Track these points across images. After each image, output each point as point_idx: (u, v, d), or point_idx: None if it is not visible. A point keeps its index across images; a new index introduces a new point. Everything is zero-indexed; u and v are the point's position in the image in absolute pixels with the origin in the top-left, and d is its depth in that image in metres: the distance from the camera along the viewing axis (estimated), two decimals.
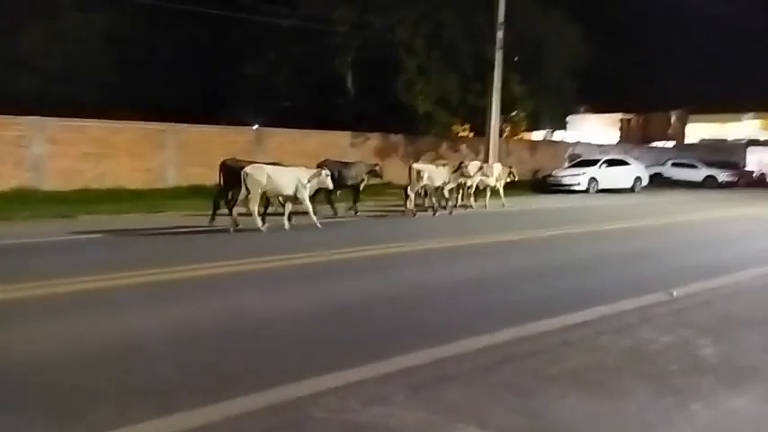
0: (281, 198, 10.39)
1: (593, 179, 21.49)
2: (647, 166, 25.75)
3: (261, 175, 9.58)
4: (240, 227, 9.69)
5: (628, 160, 24.04)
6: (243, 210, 9.86)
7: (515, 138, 26.52)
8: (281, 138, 18.99)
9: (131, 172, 16.07)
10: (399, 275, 6.68)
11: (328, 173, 10.59)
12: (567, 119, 33.77)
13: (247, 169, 9.63)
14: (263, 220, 9.87)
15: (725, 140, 49.86)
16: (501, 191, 15.72)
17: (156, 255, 7.79)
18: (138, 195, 14.60)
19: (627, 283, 6.23)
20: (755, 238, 10.22)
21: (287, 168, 10.41)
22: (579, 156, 25.97)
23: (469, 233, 10.29)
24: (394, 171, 19.89)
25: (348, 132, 20.40)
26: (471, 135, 24.91)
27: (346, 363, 3.65)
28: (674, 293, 5.57)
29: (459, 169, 13.64)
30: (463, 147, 23.70)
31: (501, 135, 23.24)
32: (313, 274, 6.67)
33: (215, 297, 5.53)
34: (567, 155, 26.88)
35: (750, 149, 44.91)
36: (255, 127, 19.35)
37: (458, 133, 25.03)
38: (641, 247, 9.03)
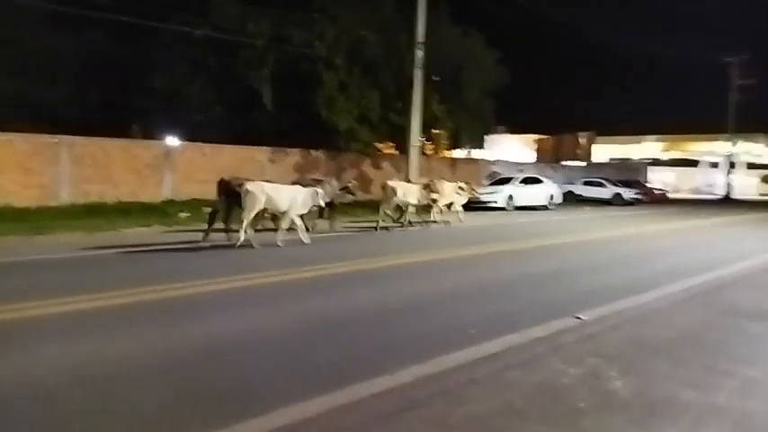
0: (266, 215, 10.72)
1: (510, 197, 21.97)
2: (560, 185, 26.80)
3: (261, 193, 9.81)
4: (243, 242, 9.65)
5: (542, 179, 24.85)
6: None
7: (437, 156, 26.78)
8: (192, 153, 17.98)
9: (20, 188, 14.54)
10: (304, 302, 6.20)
11: (322, 191, 10.91)
12: (486, 138, 34.77)
13: (248, 186, 9.86)
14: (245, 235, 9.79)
15: (629, 160, 53.41)
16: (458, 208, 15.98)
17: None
18: (25, 214, 13.16)
19: (538, 308, 6.07)
20: (661, 256, 10.58)
21: (284, 186, 10.85)
22: (499, 174, 26.62)
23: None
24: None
25: (266, 148, 19.68)
26: (394, 152, 24.86)
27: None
28: (583, 318, 5.45)
29: (428, 187, 14.36)
30: (386, 164, 23.60)
31: (422, 153, 23.38)
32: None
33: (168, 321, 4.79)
34: (487, 173, 27.47)
35: (652, 169, 48.34)
36: (172, 140, 18.16)
37: (380, 150, 24.91)
38: (555, 266, 9.05)
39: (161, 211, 15.08)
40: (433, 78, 22.35)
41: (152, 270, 7.91)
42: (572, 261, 9.75)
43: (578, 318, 5.41)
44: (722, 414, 3.40)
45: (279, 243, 10.06)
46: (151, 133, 19.96)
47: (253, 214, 9.81)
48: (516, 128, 46.67)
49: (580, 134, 38.53)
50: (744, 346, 4.74)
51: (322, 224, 12.76)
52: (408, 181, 16.22)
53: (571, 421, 3.25)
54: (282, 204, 10.18)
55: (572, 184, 30.44)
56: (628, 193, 29.56)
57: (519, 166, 30.98)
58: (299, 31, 19.40)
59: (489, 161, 30.73)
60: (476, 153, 33.15)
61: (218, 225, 10.68)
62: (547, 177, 26.14)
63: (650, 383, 3.85)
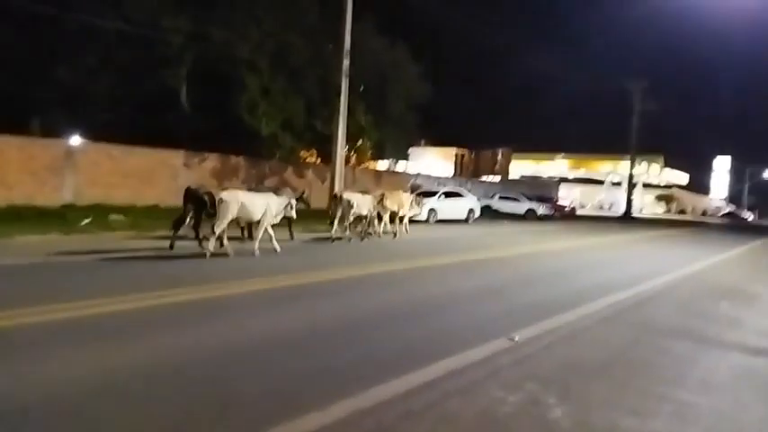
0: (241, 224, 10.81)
1: (432, 210, 22.15)
2: (478, 199, 27.48)
3: (235, 202, 9.68)
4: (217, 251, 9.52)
5: (463, 193, 25.33)
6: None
7: (361, 166, 26.61)
8: (98, 154, 16.59)
9: None
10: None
11: (294, 202, 11.11)
12: (409, 151, 35.18)
13: (222, 195, 9.72)
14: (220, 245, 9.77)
15: (541, 177, 56.23)
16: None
17: None
18: None
19: (472, 328, 5.90)
20: (580, 273, 10.87)
21: (258, 195, 10.76)
22: (420, 186, 26.85)
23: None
24: None
25: (181, 151, 18.57)
26: (318, 161, 24.39)
27: None
28: (516, 338, 5.33)
29: (381, 200, 14.60)
30: (309, 173, 23.09)
31: (347, 162, 23.11)
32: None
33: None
34: (409, 185, 27.63)
35: (562, 186, 51.07)
36: (75, 140, 16.58)
37: (304, 159, 24.37)
38: (482, 283, 9.01)
39: (61, 217, 13.66)
40: (360, 89, 22.23)
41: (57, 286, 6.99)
42: (497, 277, 9.78)
43: (512, 339, 5.29)
44: None
45: (255, 252, 9.98)
46: (52, 131, 18.21)
47: (226, 223, 9.62)
48: (437, 141, 47.68)
49: (498, 150, 39.92)
50: (671, 367, 4.79)
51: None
52: (365, 193, 15.59)
53: None
54: (256, 213, 10.10)
55: (489, 198, 31.35)
56: (540, 209, 30.84)
57: (439, 179, 31.50)
58: (220, 30, 18.53)
59: (411, 174, 31.01)
60: (398, 166, 33.43)
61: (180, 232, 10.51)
62: (466, 192, 26.72)
63: (590, 410, 3.73)
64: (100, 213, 14.49)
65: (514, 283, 9.09)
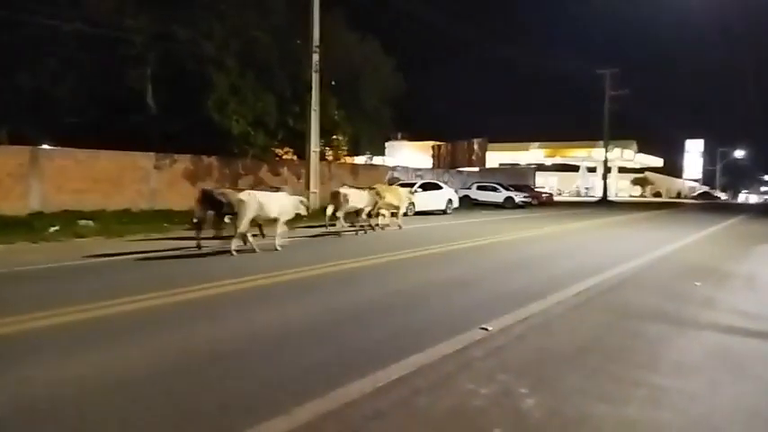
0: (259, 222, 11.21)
1: (410, 202, 22.05)
2: (456, 189, 27.49)
3: (254, 202, 10.24)
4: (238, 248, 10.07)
5: (440, 184, 25.32)
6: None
7: (337, 161, 26.42)
8: (64, 159, 16.15)
9: None
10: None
11: (305, 200, 11.91)
12: (386, 144, 35.04)
13: (242, 197, 10.24)
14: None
15: (518, 165, 56.57)
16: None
17: None
18: None
19: (444, 320, 5.83)
20: (556, 258, 10.90)
21: (273, 194, 11.35)
22: (398, 179, 26.75)
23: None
24: None
25: (151, 153, 18.17)
26: (294, 158, 24.11)
27: None
28: (489, 329, 5.26)
29: (376, 193, 15.09)
30: (284, 170, 22.82)
31: (323, 158, 22.88)
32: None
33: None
34: (386, 178, 27.50)
35: (539, 173, 51.45)
36: (40, 146, 16.07)
37: (280, 156, 24.05)
38: (457, 273, 8.95)
39: (27, 226, 13.24)
40: (331, 83, 22.01)
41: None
42: (473, 266, 9.74)
43: (484, 329, 5.21)
44: (636, 429, 3.27)
45: (278, 247, 10.72)
46: (19, 138, 17.63)
47: (247, 222, 10.19)
48: (414, 134, 47.63)
49: (474, 141, 40.01)
50: (645, 351, 4.76)
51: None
52: (352, 187, 15.58)
53: None
54: (273, 212, 10.71)
55: (467, 188, 31.39)
56: (518, 197, 31.00)
57: (417, 171, 31.43)
58: (184, 28, 18.11)
59: (389, 167, 30.88)
60: (375, 160, 33.27)
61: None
62: (444, 183, 26.70)
63: (562, 399, 3.66)
64: (69, 220, 14.12)
65: (489, 272, 9.05)
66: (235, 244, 10.07)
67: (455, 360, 4.37)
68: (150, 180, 18.04)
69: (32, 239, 11.79)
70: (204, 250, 10.49)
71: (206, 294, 6.79)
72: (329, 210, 14.16)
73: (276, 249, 10.62)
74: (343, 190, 14.26)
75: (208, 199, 10.83)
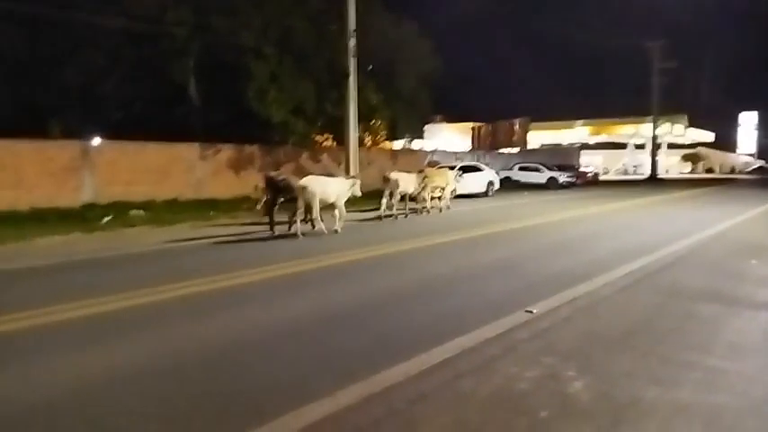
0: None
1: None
2: (497, 171, 27.05)
3: (317, 186, 10.79)
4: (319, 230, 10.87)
5: (480, 166, 24.96)
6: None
7: (376, 146, 26.38)
8: (113, 152, 16.72)
9: None
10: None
11: (359, 182, 12.21)
12: (424, 128, 34.73)
13: (303, 182, 10.76)
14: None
15: (561, 145, 55.14)
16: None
17: None
18: None
19: (488, 303, 5.77)
20: (602, 239, 10.62)
21: (330, 179, 11.77)
22: (438, 163, 26.49)
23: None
24: (251, 183, 18.59)
25: (195, 144, 18.61)
26: (333, 144, 24.22)
27: None
28: (534, 311, 5.17)
29: (424, 177, 15.52)
30: (324, 156, 22.97)
31: (361, 144, 22.89)
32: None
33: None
34: (426, 162, 27.33)
35: (584, 152, 50.04)
36: (90, 140, 16.73)
37: (321, 143, 24.20)
38: (501, 255, 8.85)
39: (81, 217, 13.85)
40: (368, 68, 21.88)
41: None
42: (518, 249, 9.59)
43: (529, 311, 5.13)
44: (690, 413, 3.15)
45: (338, 229, 11.27)
46: (71, 133, 18.38)
47: (317, 205, 10.74)
48: (453, 116, 47.00)
49: (515, 121, 39.18)
50: (698, 332, 4.59)
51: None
52: (401, 171, 16.13)
53: None
54: (332, 196, 11.17)
55: (509, 170, 30.85)
56: (562, 177, 30.27)
57: (457, 154, 31.08)
58: (223, 19, 18.35)
59: (428, 151, 30.65)
60: (415, 143, 33.06)
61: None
62: (485, 164, 26.31)
63: (611, 383, 3.57)
64: (120, 210, 14.69)
65: (533, 255, 8.90)
66: (321, 225, 10.80)
67: (499, 343, 4.32)
68: (195, 170, 18.51)
69: (88, 229, 12.32)
70: (273, 234, 11.22)
71: (275, 275, 7.15)
72: (385, 194, 14.57)
73: (336, 231, 11.15)
74: (393, 175, 14.67)
75: (271, 184, 11.56)
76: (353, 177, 12.62)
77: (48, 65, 18.76)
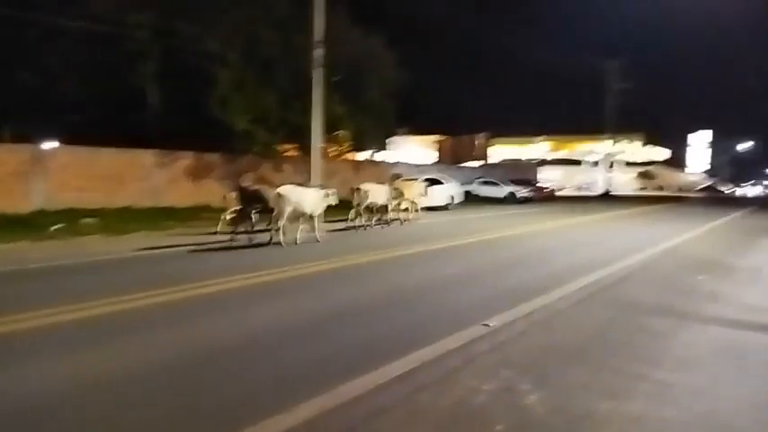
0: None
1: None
2: (461, 184, 27.41)
3: (293, 196, 10.88)
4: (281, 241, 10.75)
5: (443, 179, 25.24)
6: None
7: (339, 158, 26.35)
8: (66, 157, 16.16)
9: None
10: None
11: (335, 191, 12.45)
12: (389, 140, 34.94)
13: (280, 191, 10.84)
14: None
15: (521, 160, 56.41)
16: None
17: None
18: None
19: (447, 316, 5.81)
20: (557, 254, 10.86)
21: (307, 189, 11.94)
22: (401, 175, 26.66)
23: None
24: (211, 192, 18.25)
25: (153, 150, 18.15)
26: (297, 154, 24.05)
27: None
28: (491, 325, 5.23)
29: (395, 188, 15.95)
30: (287, 166, 22.77)
31: (325, 155, 22.82)
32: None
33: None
34: (390, 174, 27.44)
35: (541, 168, 51.30)
36: (42, 144, 16.10)
37: (284, 152, 23.99)
38: (459, 269, 8.93)
39: (30, 225, 13.25)
40: (334, 79, 21.90)
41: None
42: (475, 262, 9.71)
43: (487, 325, 5.19)
44: (641, 425, 3.24)
45: (318, 239, 11.54)
46: (24, 137, 17.62)
47: (285, 215, 10.76)
48: (418, 129, 47.49)
49: (478, 135, 39.88)
50: (648, 345, 4.73)
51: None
52: (377, 184, 16.32)
53: None
54: (307, 206, 11.31)
55: (470, 184, 31.32)
56: (520, 192, 30.92)
57: (420, 167, 31.36)
58: (187, 24, 18.06)
59: (391, 163, 30.82)
60: (378, 155, 33.20)
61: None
62: (447, 178, 26.63)
63: (565, 395, 3.64)
64: (72, 218, 14.13)
65: (491, 268, 9.03)
66: (281, 236, 10.74)
67: (459, 355, 4.35)
68: (152, 177, 18.05)
69: (37, 238, 11.81)
70: (234, 244, 11.09)
71: (228, 288, 6.83)
72: (355, 205, 14.75)
73: (317, 241, 11.48)
74: (363, 186, 14.85)
75: (244, 195, 11.62)
76: (329, 189, 12.69)
77: (1, 66, 18.01)
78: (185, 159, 18.98)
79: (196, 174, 19.12)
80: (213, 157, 19.86)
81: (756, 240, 13.15)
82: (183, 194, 18.38)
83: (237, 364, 4.36)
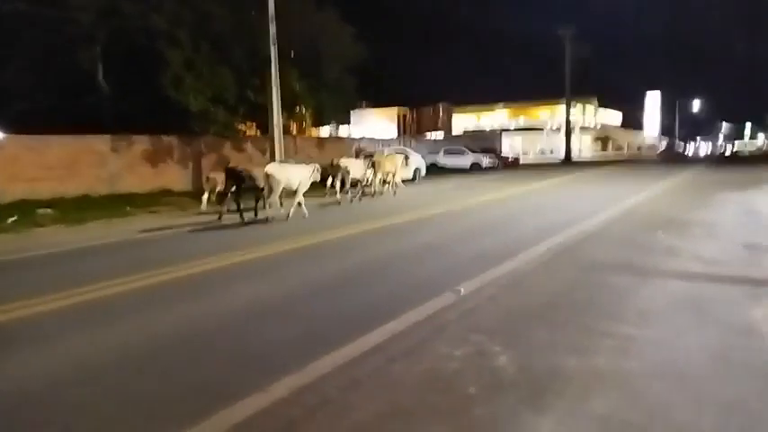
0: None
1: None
2: (424, 156, 27.48)
3: (281, 174, 11.28)
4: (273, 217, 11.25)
5: (407, 152, 25.25)
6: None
7: (302, 135, 26.00)
8: (15, 147, 15.45)
9: None
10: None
11: (319, 168, 12.70)
12: (350, 114, 34.64)
13: (268, 170, 11.27)
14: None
15: (484, 130, 56.79)
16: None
17: None
18: None
19: (417, 286, 5.86)
20: (523, 218, 11.06)
21: (294, 166, 12.49)
22: (364, 150, 26.54)
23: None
24: (171, 176, 17.86)
25: (107, 136, 17.52)
26: (257, 133, 23.61)
27: None
28: (462, 291, 5.32)
29: (373, 163, 16.07)
30: (248, 145, 22.36)
31: (287, 132, 22.48)
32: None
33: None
34: (353, 149, 27.27)
35: (504, 136, 51.79)
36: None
37: (244, 132, 23.50)
38: (428, 240, 9.00)
39: None
40: (291, 56, 21.46)
41: None
42: (444, 232, 9.80)
43: (458, 290, 5.27)
44: (606, 379, 3.37)
45: (305, 215, 11.65)
46: None
47: (279, 192, 11.21)
48: (379, 102, 47.18)
49: (438, 105, 39.87)
50: (612, 302, 4.90)
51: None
52: (350, 158, 16.90)
53: (463, 413, 2.99)
54: (295, 182, 11.65)
55: (434, 154, 31.44)
56: (485, 161, 31.25)
57: (383, 141, 31.25)
58: (132, 3, 17.31)
59: (355, 138, 30.62)
60: (341, 130, 32.95)
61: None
62: (411, 150, 26.63)
63: (534, 354, 3.75)
64: (26, 210, 13.61)
65: (459, 236, 9.14)
66: (271, 212, 11.27)
67: (429, 325, 4.42)
68: (108, 164, 17.47)
69: None
70: (222, 223, 11.45)
71: (207, 269, 6.69)
72: (336, 180, 15.08)
73: (304, 217, 11.54)
74: (343, 161, 15.17)
75: (232, 175, 11.96)
76: (314, 164, 12.94)
77: None
78: (142, 143, 18.39)
79: (154, 157, 18.58)
80: (171, 140, 19.30)
81: (710, 197, 13.66)
82: (142, 179, 17.89)
83: (214, 345, 4.32)
